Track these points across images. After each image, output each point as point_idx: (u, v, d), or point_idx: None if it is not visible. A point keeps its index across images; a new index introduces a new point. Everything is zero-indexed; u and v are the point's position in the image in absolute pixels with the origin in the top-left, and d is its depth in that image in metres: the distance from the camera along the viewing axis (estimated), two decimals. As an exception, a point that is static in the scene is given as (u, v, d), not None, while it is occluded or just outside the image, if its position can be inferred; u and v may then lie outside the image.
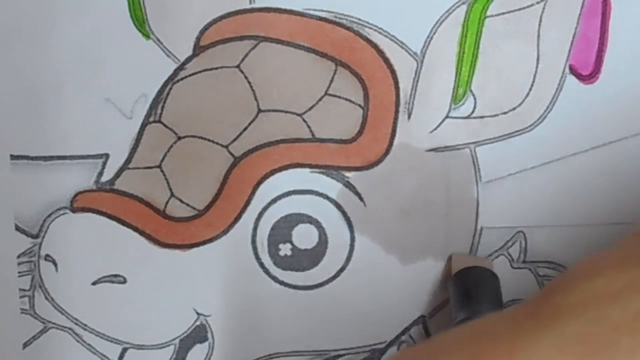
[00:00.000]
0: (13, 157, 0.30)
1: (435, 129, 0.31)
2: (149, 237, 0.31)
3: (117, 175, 0.31)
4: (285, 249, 0.31)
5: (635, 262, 0.18)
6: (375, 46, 0.30)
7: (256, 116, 0.31)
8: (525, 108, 0.31)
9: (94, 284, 0.31)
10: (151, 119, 0.31)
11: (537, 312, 0.18)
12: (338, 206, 0.31)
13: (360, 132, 0.31)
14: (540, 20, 0.30)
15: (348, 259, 0.31)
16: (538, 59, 0.31)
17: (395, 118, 0.31)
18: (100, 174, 0.31)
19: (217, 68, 0.30)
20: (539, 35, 0.30)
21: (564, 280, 0.19)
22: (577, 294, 0.18)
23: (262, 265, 0.31)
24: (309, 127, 0.31)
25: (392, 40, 0.30)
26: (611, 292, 0.18)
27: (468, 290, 0.30)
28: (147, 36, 0.30)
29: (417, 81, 0.31)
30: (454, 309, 0.30)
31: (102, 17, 0.30)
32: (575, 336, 0.17)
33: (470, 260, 0.31)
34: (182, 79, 0.30)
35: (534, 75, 0.31)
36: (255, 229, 0.31)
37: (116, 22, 0.30)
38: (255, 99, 0.31)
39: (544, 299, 0.19)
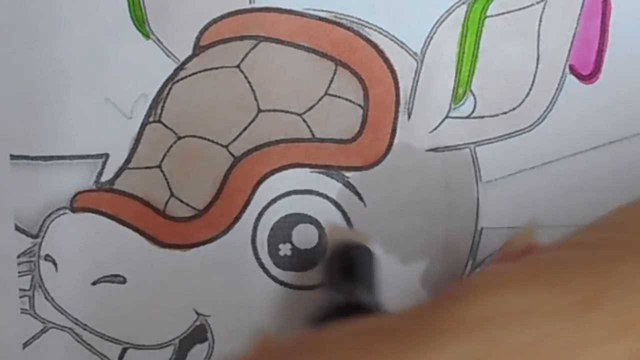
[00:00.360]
0: (13, 157, 0.30)
1: (435, 129, 0.31)
2: (149, 237, 0.31)
3: (117, 175, 0.31)
4: (285, 249, 0.31)
5: (540, 281, 0.17)
6: (375, 46, 0.30)
7: (256, 116, 0.31)
8: (525, 108, 0.31)
9: (94, 284, 0.31)
10: (151, 119, 0.31)
11: (436, 321, 0.17)
12: (338, 206, 0.31)
13: (360, 132, 0.31)
14: (540, 20, 0.30)
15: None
16: (538, 59, 0.31)
17: (395, 118, 0.31)
18: (100, 174, 0.31)
19: (217, 68, 0.30)
20: (539, 35, 0.30)
21: (466, 290, 0.18)
22: (478, 309, 0.17)
23: (262, 265, 0.31)
24: (309, 127, 0.31)
25: (392, 40, 0.30)
26: (512, 312, 0.17)
27: (344, 269, 0.30)
28: (147, 36, 0.30)
29: (417, 81, 0.31)
30: (327, 286, 0.30)
31: (102, 17, 0.30)
32: (473, 354, 0.16)
33: (349, 234, 0.31)
34: (182, 79, 0.30)
35: (534, 75, 0.31)
36: (255, 229, 0.31)
37: (116, 22, 0.30)
38: (255, 99, 0.31)
39: (445, 309, 0.17)
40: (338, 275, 0.30)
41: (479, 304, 0.17)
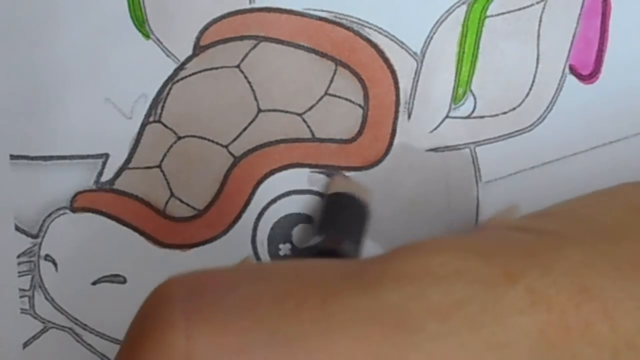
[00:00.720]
0: (13, 157, 0.30)
1: (435, 129, 0.31)
2: (149, 237, 0.31)
3: (117, 175, 0.31)
4: (285, 249, 0.31)
5: (473, 252, 0.18)
6: (375, 46, 0.30)
7: (256, 116, 0.31)
8: (525, 108, 0.31)
9: (94, 284, 0.31)
10: (151, 119, 0.31)
11: (366, 272, 0.18)
12: (338, 206, 0.31)
13: (360, 132, 0.31)
14: (540, 20, 0.30)
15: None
16: (538, 59, 0.31)
17: (395, 118, 0.31)
18: (100, 174, 0.31)
19: (217, 68, 0.30)
20: (539, 35, 0.30)
21: (406, 250, 0.19)
22: (409, 266, 0.18)
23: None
24: (309, 127, 0.31)
25: (392, 40, 0.30)
26: (439, 274, 0.18)
27: (334, 215, 0.30)
28: (147, 36, 0.30)
29: (417, 81, 0.31)
30: (315, 230, 0.30)
31: (102, 17, 0.30)
32: (390, 306, 0.17)
33: (350, 185, 0.31)
34: (182, 79, 0.30)
35: (534, 75, 0.31)
36: (255, 229, 0.31)
37: (116, 22, 0.30)
38: (255, 99, 0.31)
39: (384, 262, 0.18)
40: (328, 220, 0.30)
41: (412, 262, 0.18)
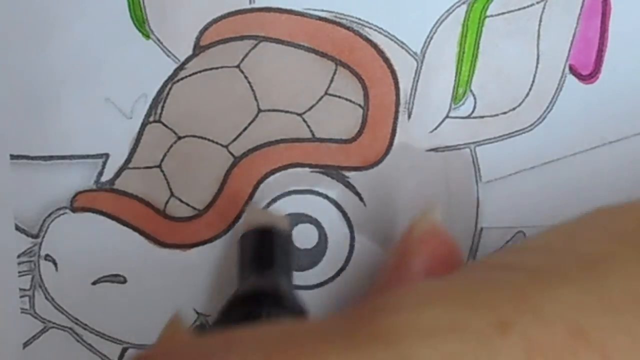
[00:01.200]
0: (13, 157, 0.30)
1: (435, 129, 0.31)
2: (149, 237, 0.31)
3: (117, 175, 0.31)
4: (285, 249, 0.31)
5: (461, 302, 0.18)
6: (375, 46, 0.30)
7: (256, 116, 0.31)
8: (525, 108, 0.31)
9: (94, 284, 0.31)
10: (151, 119, 0.31)
11: (353, 331, 0.17)
12: (338, 206, 0.31)
13: (360, 132, 0.31)
14: (540, 20, 0.30)
15: (348, 259, 0.31)
16: (538, 59, 0.31)
17: (395, 118, 0.31)
18: (100, 174, 0.31)
19: (217, 68, 0.30)
20: (539, 35, 0.30)
21: (391, 304, 0.18)
22: (396, 323, 0.17)
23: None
24: (309, 127, 0.31)
25: (392, 40, 0.30)
26: (430, 330, 0.17)
27: (258, 254, 0.28)
28: (147, 36, 0.30)
29: (417, 81, 0.31)
30: (240, 271, 0.29)
31: (102, 17, 0.30)
32: None
33: (265, 217, 0.30)
34: (182, 79, 0.30)
35: (534, 75, 0.31)
36: (255, 229, 0.31)
37: (116, 22, 0.30)
38: (255, 99, 0.31)
39: (370, 318, 0.17)
40: (252, 261, 0.29)
41: (400, 318, 0.17)
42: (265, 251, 0.29)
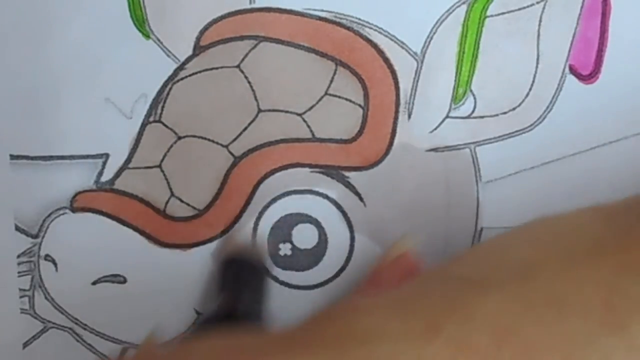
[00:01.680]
0: (13, 157, 0.30)
1: (435, 129, 0.31)
2: (149, 237, 0.31)
3: (117, 175, 0.31)
4: (285, 249, 0.31)
5: (398, 309, 0.19)
6: (375, 46, 0.30)
7: (256, 116, 0.31)
8: (525, 108, 0.31)
9: (94, 284, 0.31)
10: (151, 119, 0.31)
11: (294, 338, 0.19)
12: (338, 206, 0.31)
13: (360, 132, 0.31)
14: (540, 20, 0.30)
15: (348, 259, 0.31)
16: (538, 59, 0.31)
17: (395, 118, 0.31)
18: (100, 174, 0.31)
19: (217, 68, 0.30)
20: (539, 35, 0.30)
21: (332, 312, 0.19)
22: (334, 330, 0.19)
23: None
24: (309, 127, 0.31)
25: (392, 40, 0.30)
26: (364, 336, 0.18)
27: (228, 282, 0.30)
28: (147, 36, 0.30)
29: (417, 81, 0.31)
30: (214, 294, 0.30)
31: (102, 17, 0.30)
32: None
33: (238, 247, 0.31)
34: (182, 79, 0.30)
35: (534, 75, 0.31)
36: (255, 228, 0.31)
37: (116, 22, 0.30)
38: (255, 99, 0.31)
39: (306, 326, 0.19)
40: (227, 283, 0.30)
41: (337, 325, 0.19)
42: (237, 279, 0.30)
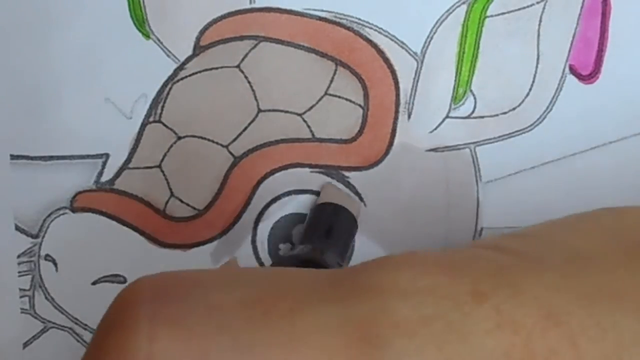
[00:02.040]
0: (13, 157, 0.30)
1: (435, 129, 0.31)
2: (149, 237, 0.31)
3: (117, 175, 0.31)
4: (285, 249, 0.31)
5: (446, 268, 0.18)
6: (375, 46, 0.30)
7: (256, 116, 0.31)
8: (525, 108, 0.31)
9: (94, 284, 0.31)
10: (151, 119, 0.31)
11: (336, 283, 0.18)
12: (338, 206, 0.31)
13: (360, 132, 0.31)
14: (540, 20, 0.30)
15: (348, 259, 0.31)
16: (538, 59, 0.31)
17: (395, 118, 0.31)
18: (100, 174, 0.31)
19: (217, 68, 0.30)
20: (539, 35, 0.30)
21: (377, 263, 0.19)
22: (378, 279, 0.18)
23: (262, 264, 0.31)
24: (309, 127, 0.31)
25: (392, 40, 0.30)
26: (407, 289, 0.18)
27: (320, 225, 0.30)
28: (147, 36, 0.30)
29: (417, 81, 0.31)
30: (301, 238, 0.30)
31: (102, 17, 0.30)
32: (357, 319, 0.17)
33: (340, 196, 0.31)
34: (182, 79, 0.30)
35: (534, 75, 0.31)
36: (255, 228, 0.31)
37: (116, 22, 0.30)
38: (255, 99, 0.31)
39: (351, 274, 0.18)
40: (313, 230, 0.30)
41: (382, 275, 0.18)
42: (331, 225, 0.30)
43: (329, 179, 0.31)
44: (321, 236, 0.29)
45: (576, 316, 0.18)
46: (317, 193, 0.31)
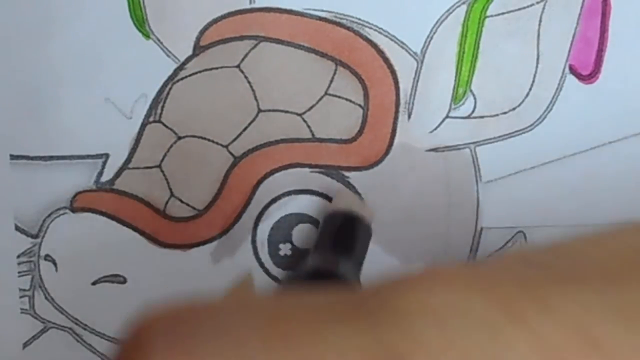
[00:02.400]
0: (13, 157, 0.30)
1: (435, 129, 0.31)
2: (149, 237, 0.31)
3: (117, 175, 0.31)
4: (285, 249, 0.31)
5: (477, 288, 0.18)
6: (375, 46, 0.30)
7: (256, 116, 0.31)
8: (525, 108, 0.31)
9: (94, 284, 0.31)
10: (151, 119, 0.31)
11: (361, 307, 0.17)
12: (338, 206, 0.31)
13: (360, 132, 0.31)
14: (540, 20, 0.30)
15: (348, 259, 0.31)
16: (538, 59, 0.31)
17: (395, 118, 0.31)
18: (100, 174, 0.31)
19: (217, 68, 0.30)
20: (539, 35, 0.30)
21: (405, 284, 0.18)
22: (407, 303, 0.17)
23: (262, 265, 0.31)
24: (309, 127, 0.31)
25: (392, 40, 0.30)
26: (440, 313, 0.17)
27: (334, 234, 0.29)
28: (147, 36, 0.30)
29: (417, 81, 0.31)
30: (314, 248, 0.29)
31: (102, 17, 0.30)
32: (387, 346, 0.16)
33: (354, 203, 0.30)
34: (182, 79, 0.30)
35: (534, 75, 0.31)
36: (255, 228, 0.31)
37: (116, 22, 0.30)
38: (255, 99, 0.31)
39: (377, 297, 0.18)
40: (327, 239, 0.29)
41: (411, 298, 0.17)
42: (345, 235, 0.29)
43: (329, 179, 0.31)
44: (336, 246, 0.29)
45: (618, 341, 0.17)
46: (317, 193, 0.31)
